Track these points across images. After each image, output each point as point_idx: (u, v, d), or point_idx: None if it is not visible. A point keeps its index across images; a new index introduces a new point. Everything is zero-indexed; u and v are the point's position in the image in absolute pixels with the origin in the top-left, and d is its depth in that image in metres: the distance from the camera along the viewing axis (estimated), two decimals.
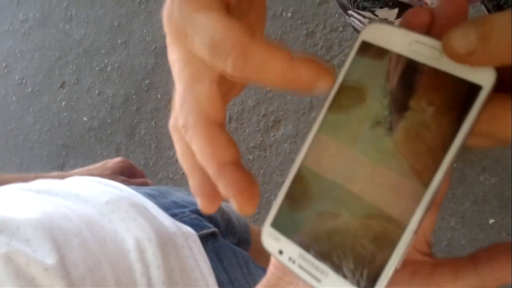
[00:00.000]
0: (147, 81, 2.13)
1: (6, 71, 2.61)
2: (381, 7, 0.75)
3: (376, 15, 0.77)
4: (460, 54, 0.19)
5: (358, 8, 0.77)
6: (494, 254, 0.23)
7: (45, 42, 2.49)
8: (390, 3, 0.73)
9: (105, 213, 0.53)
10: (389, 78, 0.22)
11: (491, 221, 1.42)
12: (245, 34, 0.22)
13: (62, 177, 0.68)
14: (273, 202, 0.25)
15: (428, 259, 0.26)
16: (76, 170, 0.81)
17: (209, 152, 0.24)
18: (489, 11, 0.72)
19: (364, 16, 0.80)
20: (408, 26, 0.23)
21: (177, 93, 0.25)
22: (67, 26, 2.41)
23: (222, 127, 0.25)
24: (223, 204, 0.86)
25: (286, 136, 1.78)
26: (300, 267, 0.24)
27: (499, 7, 0.68)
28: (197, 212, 0.69)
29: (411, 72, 0.22)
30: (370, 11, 0.77)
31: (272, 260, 0.30)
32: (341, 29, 1.72)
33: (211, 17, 0.23)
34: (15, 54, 2.59)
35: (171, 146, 2.00)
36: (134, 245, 0.50)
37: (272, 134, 1.81)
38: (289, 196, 0.25)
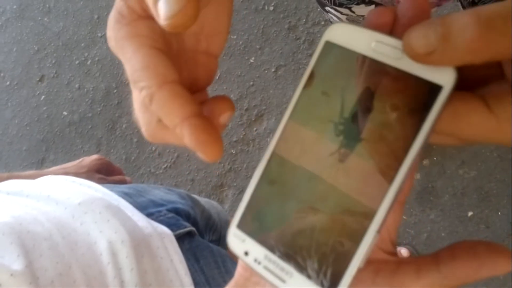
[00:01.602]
0: None
1: None
2: (358, 4, 0.74)
3: (353, 12, 0.77)
4: (419, 54, 0.19)
5: (335, 4, 0.77)
6: (456, 253, 0.23)
7: (23, 35, 2.44)
8: (367, 0, 0.72)
9: (77, 215, 0.52)
10: (352, 78, 0.22)
11: (470, 213, 1.44)
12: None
13: (37, 176, 0.67)
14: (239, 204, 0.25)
15: (392, 257, 0.26)
16: (51, 169, 0.80)
17: (169, 108, 0.23)
18: (464, 8, 0.72)
19: (341, 13, 0.79)
20: (372, 26, 0.23)
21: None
22: (46, 19, 2.37)
23: (178, 83, 0.24)
24: (203, 201, 0.86)
25: (269, 130, 1.78)
26: (265, 268, 0.24)
27: (473, 4, 0.68)
28: (174, 210, 0.68)
29: (374, 72, 0.22)
30: (347, 7, 0.76)
31: (240, 261, 0.30)
32: (323, 23, 1.72)
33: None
34: None
35: None
36: (107, 247, 0.49)
37: (255, 128, 1.81)
38: (254, 197, 0.25)
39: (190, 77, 0.28)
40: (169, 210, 0.68)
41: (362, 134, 0.22)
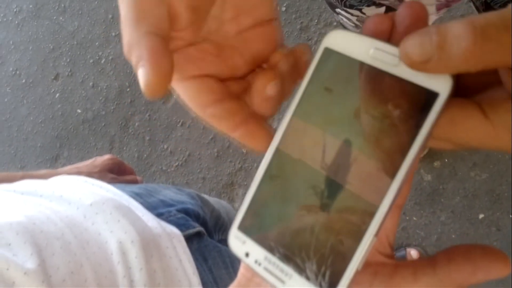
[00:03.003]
0: None
1: (0, 62, 2.60)
2: (368, 6, 0.74)
3: (364, 13, 0.77)
4: (416, 62, 0.19)
5: (345, 6, 0.77)
6: (452, 256, 0.23)
7: (39, 34, 2.47)
8: (377, 2, 0.73)
9: (89, 215, 0.53)
10: (351, 84, 0.23)
11: (481, 216, 1.43)
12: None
13: (50, 175, 0.68)
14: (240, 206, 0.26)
15: (390, 260, 0.26)
16: (65, 168, 0.81)
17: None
18: (477, 9, 0.72)
19: (352, 14, 0.79)
20: (370, 33, 0.23)
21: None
22: (61, 18, 2.40)
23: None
24: (212, 201, 0.87)
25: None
26: (266, 269, 0.24)
27: (486, 5, 0.68)
28: (184, 211, 0.69)
29: (372, 78, 0.22)
30: (357, 9, 0.77)
31: (242, 262, 0.31)
32: (335, 24, 1.71)
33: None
34: (8, 46, 2.58)
35: (165, 139, 2.00)
36: (117, 247, 0.50)
37: None
38: (255, 199, 0.25)
39: (248, 55, 0.28)
40: (179, 211, 0.69)
41: (361, 138, 0.22)
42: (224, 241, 0.82)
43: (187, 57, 0.26)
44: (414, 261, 0.25)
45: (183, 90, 0.26)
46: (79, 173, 0.78)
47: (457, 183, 1.47)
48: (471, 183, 1.45)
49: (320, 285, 0.23)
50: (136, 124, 2.10)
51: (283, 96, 0.27)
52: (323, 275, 0.23)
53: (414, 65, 0.20)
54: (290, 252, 0.24)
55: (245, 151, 1.83)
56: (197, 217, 0.71)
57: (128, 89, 2.15)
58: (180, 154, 1.97)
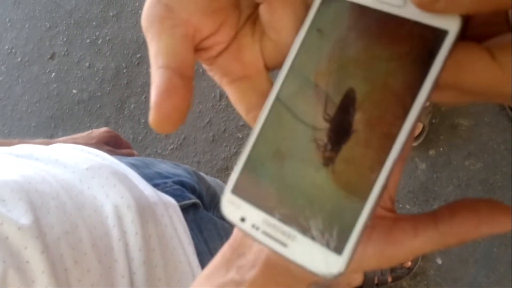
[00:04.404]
0: (138, 55, 2.11)
1: None
2: None
3: None
4: (424, 1, 0.19)
5: None
6: (455, 211, 0.23)
7: (36, 12, 2.45)
8: None
9: (84, 179, 0.53)
10: (354, 30, 0.22)
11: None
12: None
13: (47, 144, 0.68)
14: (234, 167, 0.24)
15: (390, 214, 0.26)
16: (61, 138, 0.81)
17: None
18: None
19: None
20: None
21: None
22: None
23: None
24: (209, 179, 0.87)
25: None
26: (265, 233, 0.22)
27: None
28: (180, 183, 0.69)
29: (377, 21, 0.21)
30: None
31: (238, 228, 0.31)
32: None
33: None
34: (5, 23, 2.54)
35: None
36: (113, 211, 0.50)
37: None
38: (251, 159, 0.24)
39: None
40: (175, 182, 0.69)
41: (366, 85, 0.21)
42: (221, 219, 0.82)
43: (232, 56, 0.26)
44: (415, 215, 0.24)
45: (230, 94, 0.26)
46: (75, 143, 0.77)
47: (451, 172, 1.48)
48: (465, 172, 1.46)
49: (328, 243, 0.21)
50: (132, 106, 2.09)
51: None
52: (330, 233, 0.21)
53: (423, 5, 0.19)
54: (292, 211, 0.22)
55: (240, 136, 1.82)
56: (193, 190, 0.71)
57: (124, 71, 2.14)
58: (175, 137, 1.96)
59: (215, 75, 0.27)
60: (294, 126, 0.23)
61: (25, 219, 0.41)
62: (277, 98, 0.24)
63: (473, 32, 0.21)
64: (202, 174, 0.85)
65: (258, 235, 0.22)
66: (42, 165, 0.54)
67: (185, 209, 0.63)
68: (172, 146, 1.96)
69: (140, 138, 2.03)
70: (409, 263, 1.43)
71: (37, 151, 0.57)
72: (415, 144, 1.49)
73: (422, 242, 0.23)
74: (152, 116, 0.21)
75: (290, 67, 0.23)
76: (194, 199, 0.66)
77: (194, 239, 0.60)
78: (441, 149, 1.50)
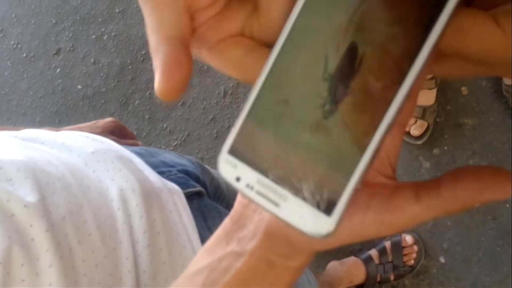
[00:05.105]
0: (143, 52, 2.11)
1: (1, 35, 2.58)
2: None
3: None
4: None
5: None
6: (458, 176, 0.23)
7: (42, 8, 2.45)
8: None
9: (90, 163, 0.53)
10: None
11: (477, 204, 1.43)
12: None
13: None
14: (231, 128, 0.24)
15: (391, 181, 0.26)
16: (66, 127, 0.81)
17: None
18: None
19: None
20: None
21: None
22: None
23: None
24: (213, 171, 0.87)
25: None
26: (258, 193, 0.23)
27: None
28: (184, 172, 0.69)
29: None
30: None
31: (238, 198, 0.31)
32: None
33: None
34: (11, 19, 2.55)
35: (164, 118, 1.99)
36: (118, 194, 0.50)
37: None
38: (248, 120, 0.24)
39: None
40: (179, 171, 0.69)
41: (363, 47, 0.21)
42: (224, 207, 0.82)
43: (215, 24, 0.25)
44: (417, 181, 0.24)
45: (211, 60, 0.26)
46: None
47: None
48: None
49: (318, 204, 0.21)
50: (136, 102, 2.09)
51: None
52: (321, 195, 0.21)
53: None
54: (285, 173, 0.22)
55: None
56: (197, 180, 0.71)
57: (129, 67, 2.14)
58: (179, 134, 1.96)
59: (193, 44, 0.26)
60: (293, 87, 0.23)
61: (31, 198, 0.41)
62: (277, 59, 0.23)
63: (479, 4, 0.21)
64: (206, 166, 0.85)
65: (252, 194, 0.23)
66: (48, 148, 0.54)
67: (189, 197, 0.63)
68: (176, 143, 1.96)
69: (144, 134, 2.03)
70: (412, 262, 1.42)
71: (43, 135, 0.57)
72: (419, 142, 1.49)
73: (423, 209, 0.23)
74: (160, 86, 0.21)
75: (291, 29, 0.23)
76: (199, 187, 0.66)
77: (198, 226, 0.60)
78: (446, 148, 1.49)
